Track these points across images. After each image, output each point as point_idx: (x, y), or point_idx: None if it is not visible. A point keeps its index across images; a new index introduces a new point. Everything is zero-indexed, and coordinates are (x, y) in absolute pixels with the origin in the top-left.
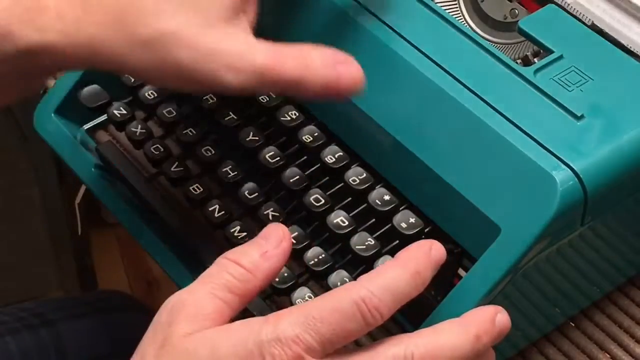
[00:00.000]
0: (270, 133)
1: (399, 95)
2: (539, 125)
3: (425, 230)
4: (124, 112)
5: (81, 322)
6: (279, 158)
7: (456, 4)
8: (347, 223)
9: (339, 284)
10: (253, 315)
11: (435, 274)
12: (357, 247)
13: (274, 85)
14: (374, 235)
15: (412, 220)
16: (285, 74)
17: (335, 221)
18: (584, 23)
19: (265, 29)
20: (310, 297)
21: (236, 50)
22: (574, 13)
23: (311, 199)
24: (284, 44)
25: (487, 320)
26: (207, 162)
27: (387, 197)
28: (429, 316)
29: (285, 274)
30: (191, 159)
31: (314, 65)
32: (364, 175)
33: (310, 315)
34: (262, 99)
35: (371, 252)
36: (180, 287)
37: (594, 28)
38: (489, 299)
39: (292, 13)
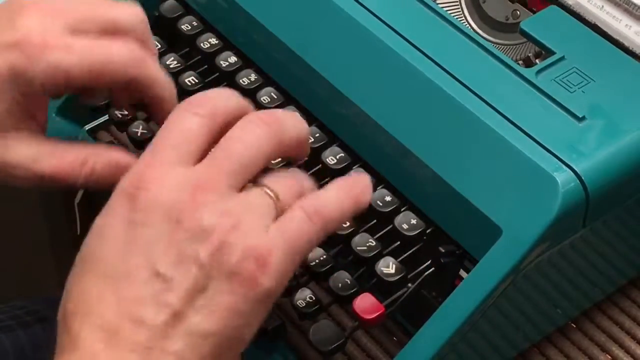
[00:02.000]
0: None
1: (400, 96)
2: (541, 127)
3: (427, 231)
4: (125, 112)
5: None
6: (280, 159)
7: (457, 5)
8: (348, 224)
9: (340, 285)
10: None
11: (436, 275)
12: (358, 248)
13: (63, 187)
14: (375, 237)
15: (413, 221)
16: (70, 181)
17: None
18: (585, 24)
19: (265, 29)
20: (311, 299)
21: (18, 162)
22: (576, 14)
23: None
24: (72, 146)
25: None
26: None
27: (388, 198)
28: (430, 317)
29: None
30: None
31: (99, 171)
32: None
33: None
34: (263, 99)
35: (372, 253)
36: None
37: (596, 29)
38: (490, 300)
39: (292, 13)
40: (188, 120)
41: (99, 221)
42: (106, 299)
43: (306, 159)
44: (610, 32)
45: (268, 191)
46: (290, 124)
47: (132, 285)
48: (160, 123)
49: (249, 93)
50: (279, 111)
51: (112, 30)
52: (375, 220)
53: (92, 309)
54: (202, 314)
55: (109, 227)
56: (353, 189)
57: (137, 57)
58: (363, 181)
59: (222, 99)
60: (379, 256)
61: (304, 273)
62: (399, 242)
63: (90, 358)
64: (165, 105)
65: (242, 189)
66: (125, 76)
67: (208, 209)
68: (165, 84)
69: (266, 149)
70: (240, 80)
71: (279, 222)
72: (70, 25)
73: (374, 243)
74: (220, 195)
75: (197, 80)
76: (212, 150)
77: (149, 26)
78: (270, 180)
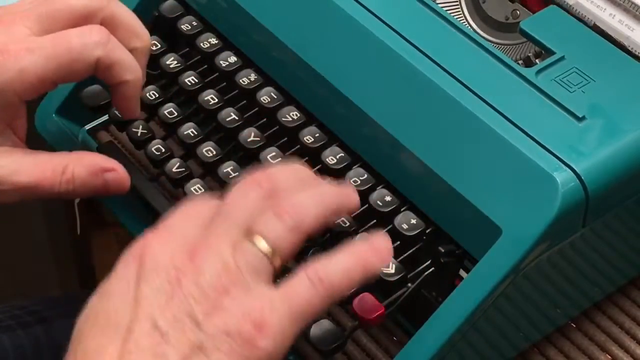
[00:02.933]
0: (272, 134)
1: (400, 96)
2: (541, 126)
3: (427, 231)
4: None
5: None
6: (280, 159)
7: (457, 5)
8: (348, 224)
9: None
10: None
11: (436, 275)
12: None
13: (43, 197)
14: None
15: (413, 221)
16: (51, 190)
17: (336, 222)
18: (585, 24)
19: (265, 29)
20: None
21: None
22: (576, 14)
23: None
24: (51, 155)
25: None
26: (208, 163)
27: (388, 198)
28: (430, 317)
29: (286, 275)
30: (192, 159)
31: (80, 176)
32: (365, 176)
33: None
34: (263, 99)
35: None
36: None
37: (596, 29)
38: (490, 300)
39: (292, 13)
40: (200, 205)
41: (106, 283)
42: (106, 352)
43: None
44: (610, 32)
45: (260, 243)
46: (287, 177)
47: (133, 337)
48: (120, 108)
49: (249, 93)
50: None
51: (76, 20)
52: (375, 220)
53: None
54: None
55: (115, 287)
56: (365, 255)
57: (97, 38)
58: (378, 246)
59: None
60: None
61: None
62: (398, 242)
63: None
64: (128, 89)
65: (237, 242)
66: (90, 58)
67: (205, 269)
68: (128, 66)
69: (260, 207)
70: (240, 80)
71: (285, 285)
72: (33, 26)
73: None
74: (217, 255)
75: (197, 80)
76: (214, 214)
77: (119, 4)
78: (265, 226)
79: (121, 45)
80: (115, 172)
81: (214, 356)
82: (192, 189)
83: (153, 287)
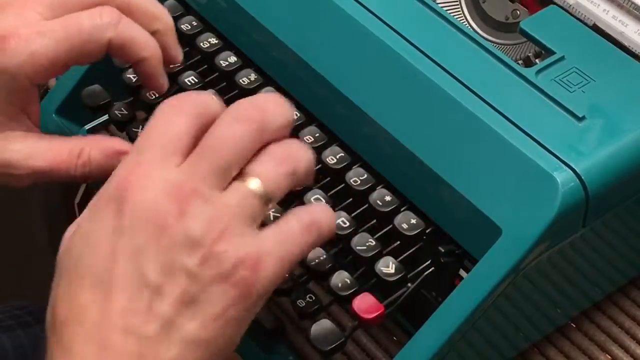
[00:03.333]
0: None
1: (400, 96)
2: (541, 126)
3: (427, 231)
4: (125, 112)
5: None
6: None
7: (457, 5)
8: (348, 224)
9: (340, 285)
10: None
11: (436, 275)
12: (358, 247)
13: (60, 181)
14: (375, 236)
15: (413, 221)
16: (67, 173)
17: (336, 222)
18: (585, 24)
19: (265, 29)
20: (311, 298)
21: (12, 159)
22: (576, 14)
23: (312, 199)
24: (66, 139)
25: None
26: None
27: (388, 198)
28: (430, 317)
29: (286, 275)
30: None
31: (96, 159)
32: (365, 176)
33: None
34: None
35: (372, 253)
36: None
37: (596, 29)
38: (490, 300)
39: (292, 13)
40: (173, 118)
41: (84, 224)
42: (97, 310)
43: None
44: (610, 32)
45: (254, 187)
46: (274, 111)
47: (123, 295)
48: (145, 85)
49: (249, 93)
50: (262, 99)
51: (88, 8)
52: (375, 220)
53: (85, 319)
54: (196, 321)
55: (95, 234)
56: (331, 210)
57: (107, 19)
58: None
59: (206, 98)
60: (379, 256)
61: (304, 273)
62: (398, 242)
63: None
64: (147, 66)
65: (228, 184)
66: (101, 40)
67: (194, 216)
68: (143, 44)
69: (249, 144)
70: (240, 80)
71: (274, 229)
72: (46, 13)
73: (374, 243)
74: (204, 200)
75: (196, 80)
76: (195, 149)
77: None
78: (257, 169)
79: (133, 24)
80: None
81: (208, 306)
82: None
83: (138, 239)
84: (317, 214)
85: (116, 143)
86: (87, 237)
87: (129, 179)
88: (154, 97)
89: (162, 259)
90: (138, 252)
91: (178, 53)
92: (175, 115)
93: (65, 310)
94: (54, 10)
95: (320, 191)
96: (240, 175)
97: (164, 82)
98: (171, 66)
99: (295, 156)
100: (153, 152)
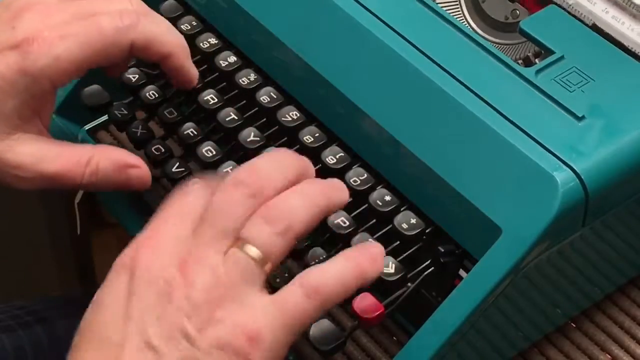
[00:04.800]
0: (271, 133)
1: (400, 96)
2: (540, 126)
3: (426, 231)
4: (125, 112)
5: (76, 320)
6: None
7: (457, 5)
8: (348, 223)
9: None
10: None
11: (436, 275)
12: None
13: (66, 188)
14: (375, 236)
15: (413, 221)
16: (74, 181)
17: (336, 221)
18: (585, 24)
19: (265, 29)
20: None
21: (22, 162)
22: (575, 14)
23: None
24: (76, 146)
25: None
26: (208, 163)
27: (388, 198)
28: (430, 316)
29: (286, 275)
30: (192, 159)
31: (104, 170)
32: (365, 175)
33: None
34: (262, 99)
35: None
36: None
37: (595, 29)
38: (489, 300)
39: (292, 13)
40: (192, 201)
41: (99, 294)
42: None
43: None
44: (609, 32)
45: (250, 250)
46: (271, 172)
47: (126, 355)
48: (174, 84)
49: (249, 93)
50: (258, 162)
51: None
52: (374, 220)
53: None
54: None
55: (107, 300)
56: (360, 262)
57: (128, 21)
58: (373, 253)
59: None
60: None
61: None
62: (398, 242)
63: None
64: (173, 62)
65: (228, 249)
66: (123, 42)
67: (195, 283)
68: (165, 41)
69: (247, 209)
70: (240, 80)
71: (277, 297)
72: (68, 20)
73: (374, 243)
74: (207, 267)
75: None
76: (201, 220)
77: (145, 19)
78: (249, 233)
79: (154, 22)
80: (139, 169)
81: None
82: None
83: (144, 303)
84: (322, 277)
85: (126, 155)
86: (99, 302)
87: (141, 252)
88: (153, 97)
89: (165, 324)
90: (144, 315)
91: (193, 73)
92: (193, 199)
93: None
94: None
95: None
96: (236, 241)
97: (193, 75)
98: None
99: (286, 211)
100: (167, 230)
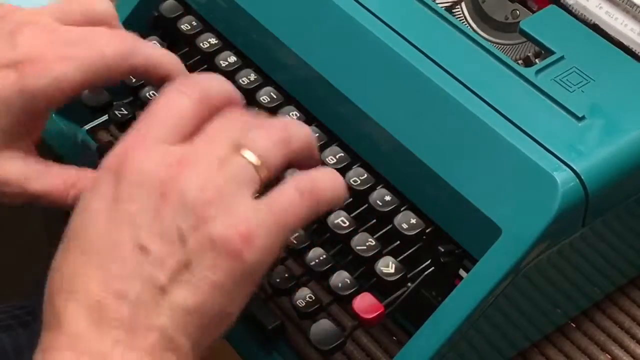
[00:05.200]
0: None
1: (400, 96)
2: (540, 126)
3: (426, 231)
4: (125, 112)
5: None
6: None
7: (457, 5)
8: (347, 223)
9: (340, 285)
10: (255, 316)
11: (436, 275)
12: (357, 247)
13: (52, 206)
14: (375, 236)
15: (413, 221)
16: (58, 202)
17: (336, 221)
18: (585, 24)
19: (265, 29)
20: (310, 298)
21: (9, 179)
22: (575, 14)
23: None
24: (62, 167)
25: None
26: None
27: (388, 198)
28: (430, 316)
29: (286, 275)
30: None
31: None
32: (365, 175)
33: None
34: (262, 99)
35: (372, 253)
36: None
37: (595, 29)
38: (489, 300)
39: (292, 13)
40: (177, 99)
41: (84, 199)
42: (90, 275)
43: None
44: (609, 32)
45: (250, 156)
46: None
47: (116, 260)
48: None
49: (249, 93)
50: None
51: (94, 21)
52: (374, 220)
53: (76, 285)
54: (187, 289)
55: (94, 204)
56: (339, 177)
57: (127, 46)
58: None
59: (215, 85)
60: (379, 256)
61: (304, 273)
62: (398, 242)
63: (74, 336)
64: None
65: (224, 156)
66: (125, 67)
67: (189, 182)
68: (164, 62)
69: (245, 126)
70: (240, 80)
71: (270, 197)
72: (59, 18)
73: (374, 242)
74: (202, 169)
75: None
76: (197, 135)
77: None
78: (252, 139)
79: (151, 45)
80: None
81: (199, 273)
82: None
83: (136, 205)
84: (318, 181)
85: None
86: (85, 207)
87: (129, 151)
88: (153, 97)
89: (158, 225)
90: (135, 218)
91: None
92: (180, 98)
93: (59, 279)
94: (65, 17)
95: None
96: (233, 147)
97: None
98: None
99: (288, 127)
100: (154, 129)
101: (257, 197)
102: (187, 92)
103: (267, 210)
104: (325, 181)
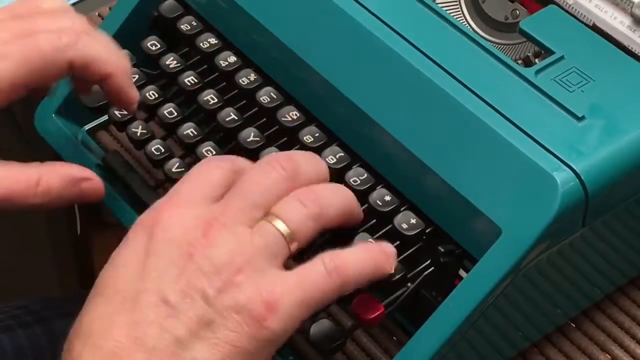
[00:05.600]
0: (271, 133)
1: (400, 96)
2: (540, 126)
3: (426, 231)
4: (125, 112)
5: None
6: None
7: (457, 5)
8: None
9: None
10: None
11: (436, 275)
12: None
13: (17, 209)
14: (375, 236)
15: (413, 221)
16: (25, 202)
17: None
18: (584, 24)
19: (265, 29)
20: None
21: None
22: (575, 14)
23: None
24: (23, 166)
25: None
26: None
27: (388, 198)
28: (430, 316)
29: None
30: (192, 159)
31: (56, 187)
32: (365, 175)
33: None
34: (262, 99)
35: None
36: None
37: (595, 29)
38: (489, 300)
39: (292, 14)
40: (209, 169)
41: (115, 253)
42: (111, 321)
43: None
44: (609, 32)
45: (279, 225)
46: (306, 163)
47: (139, 309)
48: (114, 101)
49: (249, 93)
50: (295, 153)
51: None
52: (374, 220)
53: (95, 330)
54: (205, 345)
55: (124, 256)
56: (377, 255)
57: (66, 40)
58: (388, 251)
59: (243, 160)
60: None
61: None
62: (398, 242)
63: None
64: (113, 82)
65: (255, 222)
66: (62, 62)
67: (219, 245)
68: (106, 59)
69: (278, 188)
70: (240, 80)
71: (298, 271)
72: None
73: (374, 243)
74: (231, 233)
75: (196, 80)
76: (228, 192)
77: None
78: (281, 209)
79: (94, 41)
80: (91, 180)
81: (220, 332)
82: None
83: (163, 260)
84: (348, 261)
85: (75, 170)
86: (116, 259)
87: (162, 212)
88: (153, 97)
89: (184, 281)
90: (162, 272)
91: (134, 94)
92: (214, 168)
93: (78, 324)
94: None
95: None
96: (266, 215)
97: (133, 97)
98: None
99: (322, 198)
100: (188, 194)
101: (286, 268)
102: (216, 164)
103: (294, 282)
104: (355, 261)
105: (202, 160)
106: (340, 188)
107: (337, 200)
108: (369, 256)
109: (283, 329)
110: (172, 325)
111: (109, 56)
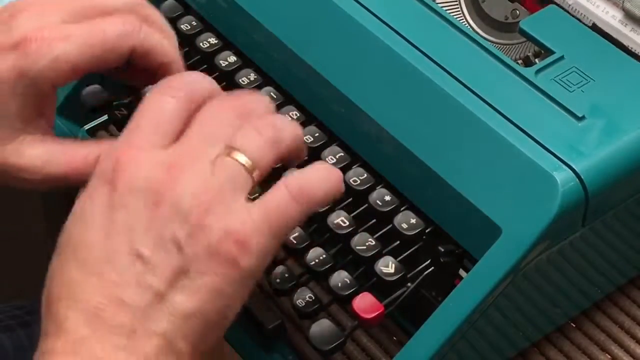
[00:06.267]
0: None
1: (400, 96)
2: (540, 126)
3: (426, 231)
4: (125, 112)
5: None
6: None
7: (457, 4)
8: (347, 223)
9: (339, 285)
10: (255, 316)
11: (436, 275)
12: (357, 247)
13: (74, 186)
14: (375, 236)
15: (412, 220)
16: (83, 179)
17: (336, 221)
18: (584, 24)
19: (265, 29)
20: (310, 298)
21: (28, 165)
22: (575, 14)
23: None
24: (82, 144)
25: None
26: None
27: (387, 198)
28: (430, 316)
29: (286, 275)
30: None
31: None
32: (365, 175)
33: None
34: None
35: (372, 253)
36: None
37: (595, 29)
38: (489, 300)
39: (292, 13)
40: (164, 102)
41: (78, 206)
42: (89, 284)
43: (304, 158)
44: (609, 32)
45: (240, 157)
46: (257, 102)
47: (114, 269)
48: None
49: None
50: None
51: (108, 14)
52: (374, 220)
53: (76, 294)
54: (185, 294)
55: (89, 212)
56: (333, 172)
57: (130, 27)
58: (337, 172)
59: (197, 82)
60: (379, 255)
61: (304, 273)
62: (398, 242)
63: (75, 343)
64: (165, 72)
65: (215, 158)
66: (124, 48)
67: (184, 189)
68: (166, 51)
69: (235, 124)
70: (240, 80)
71: (262, 200)
72: (66, 18)
73: (374, 242)
74: (195, 174)
75: None
76: (185, 132)
77: (150, 6)
78: (243, 140)
79: (154, 31)
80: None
81: (197, 279)
82: None
83: (130, 214)
84: (310, 179)
85: None
86: (80, 215)
87: (121, 159)
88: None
89: (154, 233)
90: (130, 226)
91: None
92: (165, 100)
93: (57, 287)
94: (73, 16)
95: None
96: (225, 149)
97: None
98: None
99: (276, 125)
100: (144, 134)
101: (250, 199)
102: (172, 94)
103: (260, 213)
104: (317, 179)
105: (157, 86)
106: (288, 119)
107: (290, 127)
108: (328, 173)
109: (257, 264)
110: (149, 280)
111: (167, 46)
